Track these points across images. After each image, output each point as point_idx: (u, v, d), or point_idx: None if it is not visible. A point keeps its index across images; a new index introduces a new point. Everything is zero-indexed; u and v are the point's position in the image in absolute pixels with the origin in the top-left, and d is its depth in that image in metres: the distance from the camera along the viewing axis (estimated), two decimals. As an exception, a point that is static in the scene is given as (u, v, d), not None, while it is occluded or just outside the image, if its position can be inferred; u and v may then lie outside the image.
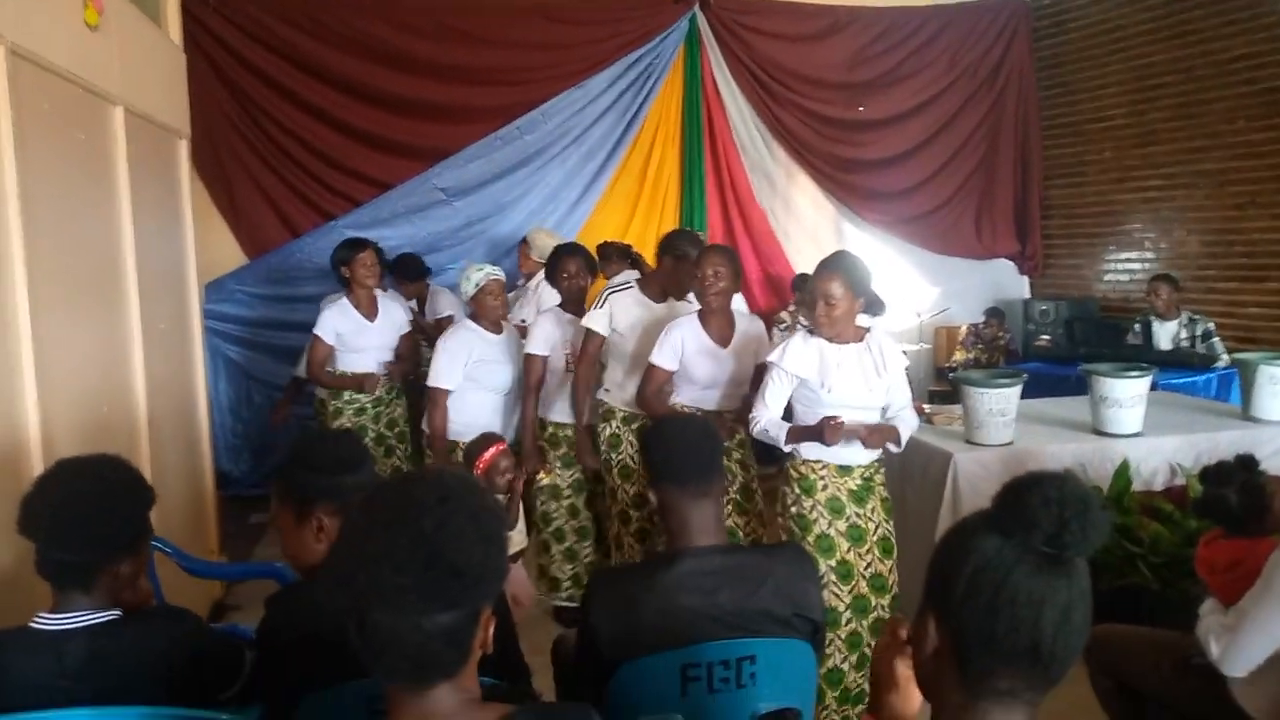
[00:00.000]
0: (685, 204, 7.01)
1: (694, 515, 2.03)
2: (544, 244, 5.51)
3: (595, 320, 3.86)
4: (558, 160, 6.70)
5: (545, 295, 5.39)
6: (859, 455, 3.12)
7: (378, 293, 4.48)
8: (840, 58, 7.32)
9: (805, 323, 5.52)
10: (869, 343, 3.12)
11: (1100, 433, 4.00)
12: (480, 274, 4.00)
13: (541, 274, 5.76)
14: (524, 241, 5.76)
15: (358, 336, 4.37)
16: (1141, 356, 5.33)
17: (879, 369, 3.10)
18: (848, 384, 3.05)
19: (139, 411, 3.40)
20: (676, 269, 3.82)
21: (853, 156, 7.43)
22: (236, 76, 6.19)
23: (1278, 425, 4.06)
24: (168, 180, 4.15)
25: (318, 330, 4.31)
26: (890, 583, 3.15)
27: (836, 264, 3.07)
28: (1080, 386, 4.39)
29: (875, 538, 3.13)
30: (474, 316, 4.09)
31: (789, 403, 3.17)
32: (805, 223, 7.36)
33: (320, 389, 4.61)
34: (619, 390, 3.87)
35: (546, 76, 6.65)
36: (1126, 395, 3.95)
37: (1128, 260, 7.19)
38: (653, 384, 3.54)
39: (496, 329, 4.08)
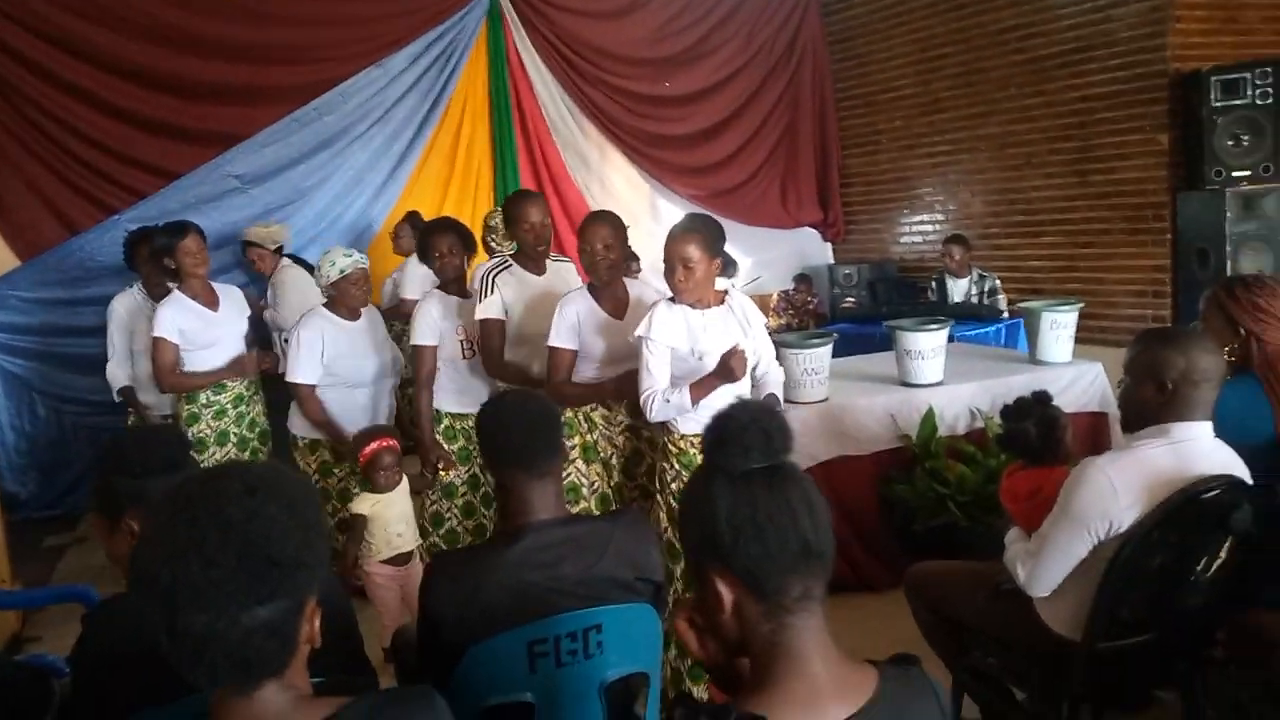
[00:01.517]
0: (499, 183, 6.92)
1: (535, 494, 2.00)
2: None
3: (489, 308, 3.53)
4: (361, 141, 6.45)
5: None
6: None
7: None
8: (643, 34, 7.40)
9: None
10: (730, 304, 3.09)
11: (906, 384, 4.23)
12: (348, 260, 3.73)
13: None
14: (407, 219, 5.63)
15: (204, 331, 3.96)
16: (938, 312, 5.69)
17: (744, 328, 3.07)
18: (719, 348, 2.97)
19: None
20: (512, 233, 3.62)
21: (662, 132, 7.54)
22: (-10, 60, 5.62)
23: (1061, 366, 4.41)
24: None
25: (159, 332, 3.86)
26: None
27: (691, 226, 3.01)
28: (885, 343, 4.63)
29: None
30: (330, 304, 3.79)
31: None
32: (620, 199, 7.41)
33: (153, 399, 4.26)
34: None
35: (343, 55, 6.39)
36: (928, 347, 4.20)
37: (921, 223, 7.64)
38: (560, 370, 3.27)
39: (354, 316, 3.83)
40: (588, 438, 3.35)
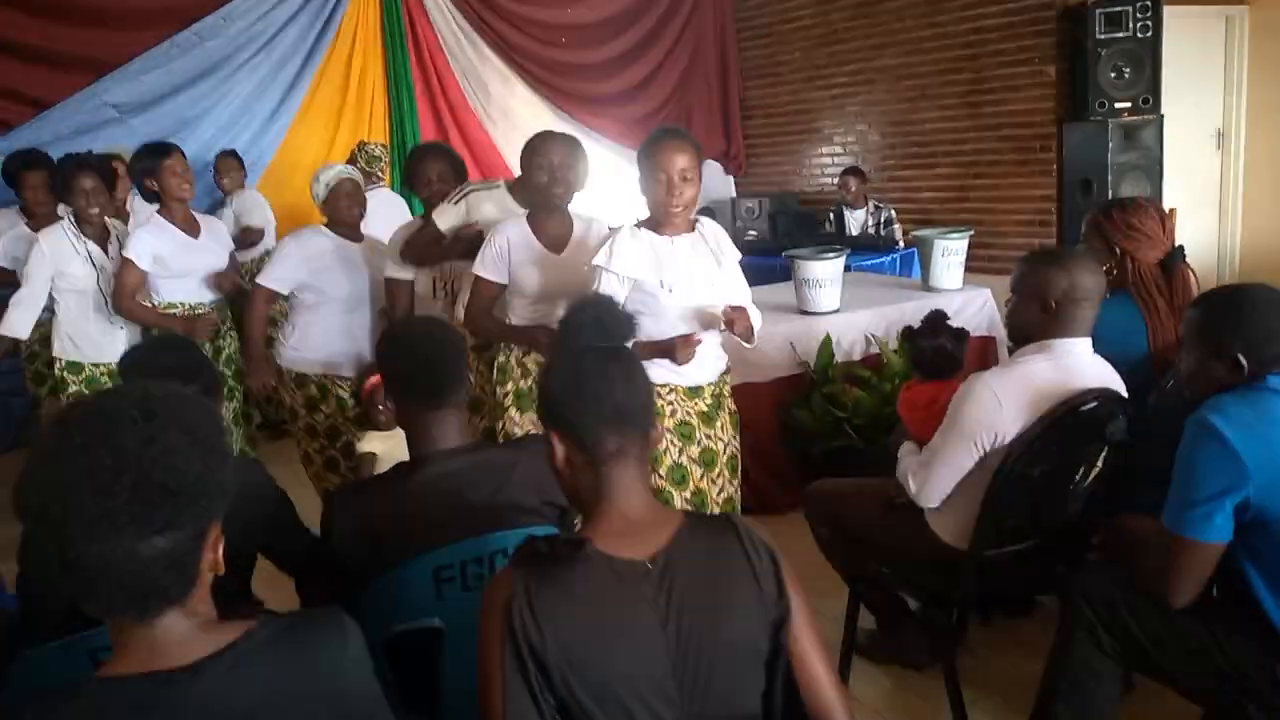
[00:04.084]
0: (394, 113, 6.71)
1: (435, 426, 1.98)
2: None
3: (445, 217, 3.25)
4: (246, 69, 6.15)
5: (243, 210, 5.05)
6: (709, 372, 2.84)
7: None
8: (542, -43, 7.22)
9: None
10: (701, 230, 2.79)
11: (805, 312, 4.31)
12: (331, 173, 3.51)
13: (239, 193, 5.41)
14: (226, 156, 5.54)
15: (181, 258, 3.76)
16: (836, 242, 5.78)
17: (717, 257, 2.79)
18: (688, 280, 2.70)
19: None
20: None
21: (567, 60, 7.41)
22: None
23: (953, 292, 4.56)
24: None
25: (130, 253, 3.67)
26: (739, 506, 2.97)
27: (681, 133, 2.70)
28: (785, 274, 4.70)
29: (725, 458, 2.89)
30: (330, 224, 3.56)
31: None
32: (523, 129, 7.25)
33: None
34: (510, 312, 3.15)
35: (224, -24, 6.06)
36: (825, 276, 4.28)
37: (820, 155, 7.72)
38: (479, 299, 3.01)
39: (355, 237, 3.59)
40: (520, 384, 3.10)
